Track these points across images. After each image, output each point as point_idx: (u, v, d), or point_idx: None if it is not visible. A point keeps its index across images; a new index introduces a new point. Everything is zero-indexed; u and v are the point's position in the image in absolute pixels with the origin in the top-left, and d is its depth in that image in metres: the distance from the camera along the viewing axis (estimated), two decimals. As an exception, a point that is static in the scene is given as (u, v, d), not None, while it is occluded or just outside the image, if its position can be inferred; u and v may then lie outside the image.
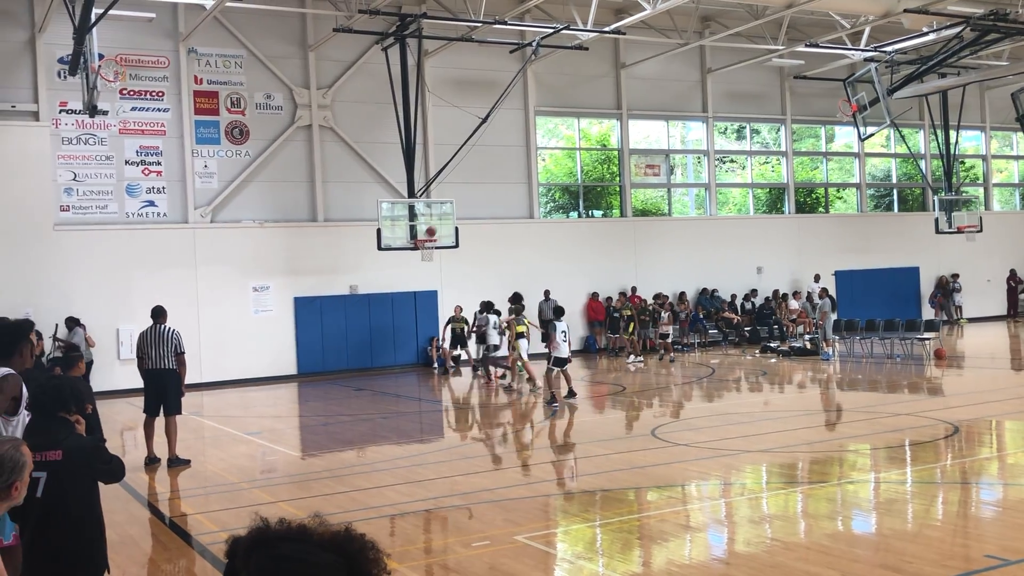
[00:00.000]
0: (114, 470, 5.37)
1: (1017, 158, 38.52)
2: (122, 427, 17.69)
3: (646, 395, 19.88)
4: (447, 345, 25.02)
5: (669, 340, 26.70)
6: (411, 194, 23.75)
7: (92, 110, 18.90)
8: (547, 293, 26.90)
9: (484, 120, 24.21)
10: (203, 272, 24.20)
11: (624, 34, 25.89)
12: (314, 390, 23.07)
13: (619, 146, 30.30)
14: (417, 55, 24.69)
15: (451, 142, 25.25)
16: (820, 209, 34.31)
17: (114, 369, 22.94)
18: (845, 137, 34.50)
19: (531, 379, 20.62)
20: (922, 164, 35.20)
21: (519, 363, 21.31)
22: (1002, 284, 35.96)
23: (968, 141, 36.63)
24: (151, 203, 24.15)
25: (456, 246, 23.59)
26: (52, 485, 4.98)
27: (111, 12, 18.26)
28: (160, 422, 13.47)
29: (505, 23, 23.87)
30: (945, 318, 33.44)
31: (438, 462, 13.42)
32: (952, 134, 32.61)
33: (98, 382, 22.16)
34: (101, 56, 19.16)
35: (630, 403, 18.70)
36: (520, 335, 21.14)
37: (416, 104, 24.19)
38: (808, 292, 30.45)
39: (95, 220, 23.46)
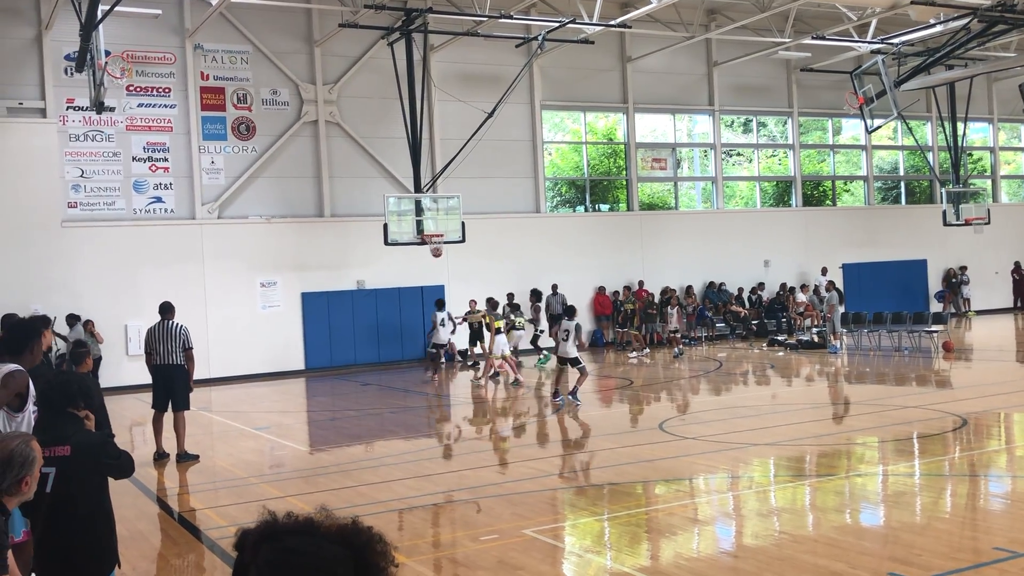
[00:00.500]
0: (123, 465, 5.38)
1: (1025, 150, 38.38)
2: (131, 422, 17.75)
3: (653, 389, 19.87)
4: (452, 338, 24.97)
5: (679, 335, 26.64)
6: (417, 189, 23.76)
7: (99, 107, 18.93)
8: (555, 287, 26.88)
9: (490, 115, 24.19)
10: (210, 268, 24.25)
11: (630, 28, 25.85)
12: (321, 385, 23.11)
13: (625, 140, 30.26)
14: (423, 50, 24.68)
15: (457, 137, 25.25)
16: (827, 202, 34.24)
17: (122, 365, 23.00)
18: (852, 130, 34.41)
19: (498, 374, 21.40)
20: (929, 156, 35.09)
21: (498, 359, 21.33)
22: (1008, 276, 35.83)
23: (976, 133, 36.49)
24: (158, 199, 24.20)
25: (463, 241, 23.60)
26: (61, 480, 5.00)
27: (117, 8, 18.29)
28: (169, 417, 13.51)
29: (511, 17, 23.85)
30: (953, 311, 33.37)
31: (446, 456, 13.45)
32: (959, 126, 32.47)
33: (106, 378, 22.22)
34: (108, 53, 19.16)
35: (637, 397, 18.70)
36: (498, 331, 21.42)
37: (422, 99, 24.18)
38: (815, 285, 30.41)
39: (103, 217, 23.52)
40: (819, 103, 33.10)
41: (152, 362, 13.64)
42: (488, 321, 21.69)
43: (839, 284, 29.25)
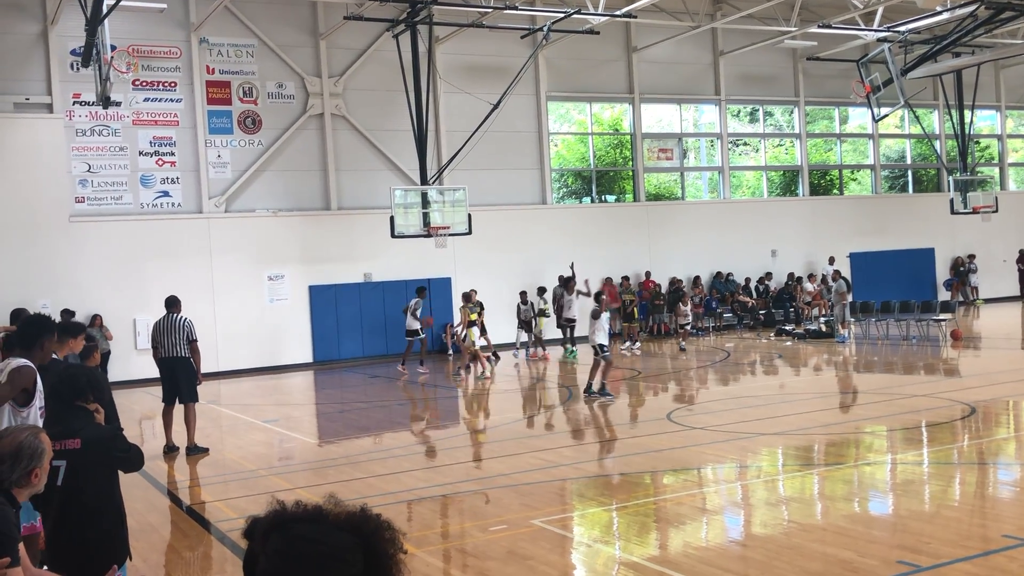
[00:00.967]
0: (132, 459, 5.40)
1: (1033, 137, 38.22)
2: (140, 416, 17.81)
3: (661, 379, 19.87)
4: (460, 331, 25.02)
5: (688, 327, 26.51)
6: (424, 181, 23.76)
7: (105, 101, 18.95)
8: (561, 278, 26.81)
9: (496, 106, 24.16)
10: (218, 262, 24.29)
11: (635, 17, 25.77)
12: (330, 378, 23.16)
13: (631, 130, 30.21)
14: (428, 42, 24.64)
15: (463, 128, 25.22)
16: (834, 191, 34.15)
17: (131, 359, 23.06)
18: (859, 118, 34.30)
19: (469, 367, 21.53)
20: (937, 144, 34.97)
21: (471, 350, 21.32)
22: (1014, 265, 35.71)
23: (983, 121, 36.35)
24: (165, 193, 24.24)
25: (469, 233, 23.60)
26: (71, 474, 5.02)
27: (123, 3, 18.32)
28: (180, 411, 13.56)
29: (516, 8, 23.79)
30: (961, 299, 33.29)
31: (454, 448, 13.47)
32: (967, 114, 32.36)
33: (115, 372, 22.31)
34: (113, 47, 19.20)
35: (645, 387, 18.70)
36: (472, 323, 21.42)
37: (427, 91, 24.16)
38: (823, 275, 30.36)
39: (110, 211, 23.57)
40: (826, 92, 33.00)
41: (158, 355, 13.76)
42: (466, 316, 21.59)
43: (846, 274, 29.19)
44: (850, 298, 25.55)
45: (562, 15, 24.17)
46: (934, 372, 19.17)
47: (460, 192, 23.75)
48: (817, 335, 25.59)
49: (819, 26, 27.46)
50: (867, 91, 29.28)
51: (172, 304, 13.86)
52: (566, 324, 23.70)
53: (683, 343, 24.99)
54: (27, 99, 22.85)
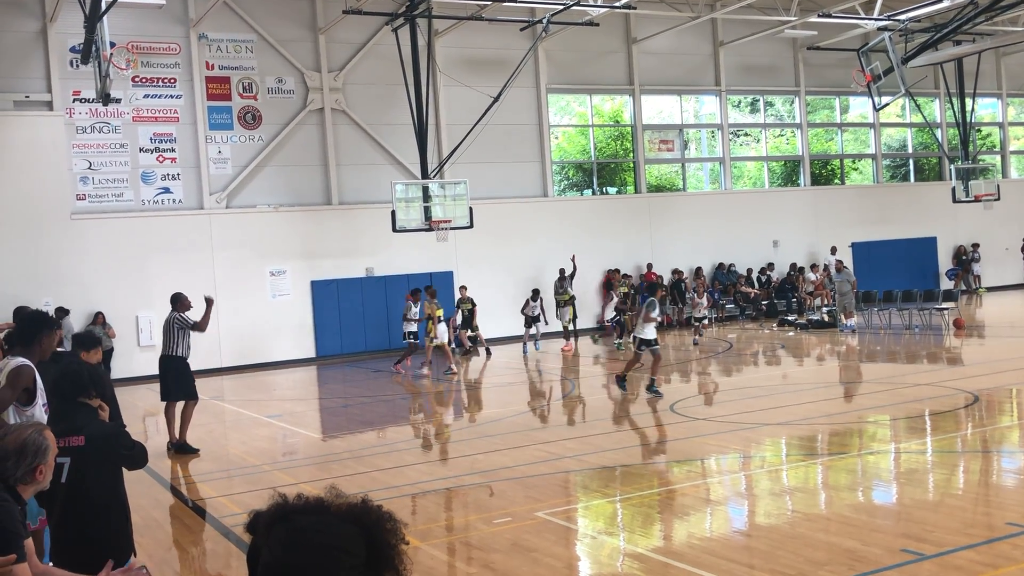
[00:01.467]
0: (136, 456, 5.41)
1: (1035, 125, 38.14)
2: (144, 413, 17.83)
3: (664, 370, 19.86)
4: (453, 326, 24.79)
5: (705, 321, 25.81)
6: (424, 175, 23.75)
7: (105, 98, 18.95)
8: (562, 271, 26.80)
9: (496, 99, 24.13)
10: (220, 257, 24.30)
11: (635, 8, 25.72)
12: (333, 372, 23.18)
13: (632, 122, 30.17)
14: (427, 35, 24.62)
15: (463, 122, 25.17)
16: (836, 181, 34.11)
17: (134, 356, 23.10)
18: (860, 107, 34.24)
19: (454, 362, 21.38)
20: (938, 133, 34.91)
21: (436, 346, 21.14)
22: (1018, 253, 35.66)
23: (984, 109, 36.26)
24: (166, 190, 24.25)
25: (471, 226, 23.59)
26: (76, 470, 5.03)
27: (121, 0, 18.28)
28: (180, 407, 13.57)
29: (515, 0, 23.76)
30: (964, 288, 33.27)
31: (458, 441, 13.48)
32: (968, 102, 32.29)
33: (118, 369, 22.36)
34: (112, 44, 19.20)
35: (647, 378, 18.65)
36: (439, 319, 21.22)
37: (427, 84, 24.14)
38: (825, 265, 30.35)
39: (111, 208, 23.58)
40: (826, 81, 32.94)
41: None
42: (431, 311, 21.48)
43: (848, 263, 29.12)
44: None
45: (561, 7, 24.12)
46: (937, 361, 19.16)
47: (461, 186, 23.73)
48: (820, 325, 25.58)
49: (819, 15, 27.41)
50: (868, 80, 29.23)
51: (171, 302, 13.85)
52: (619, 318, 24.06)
53: (697, 337, 24.05)
54: (27, 97, 22.85)
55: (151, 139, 24.07)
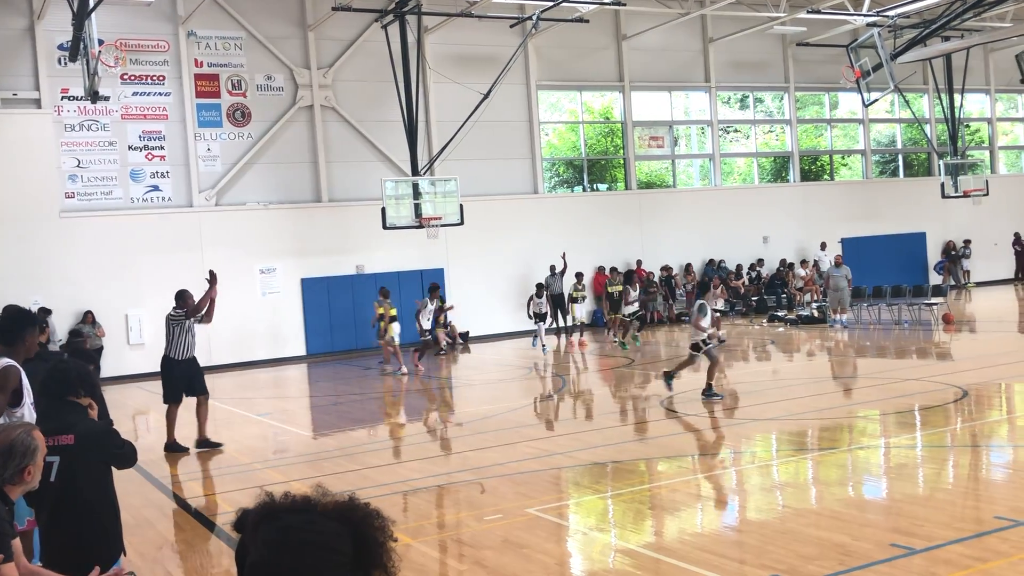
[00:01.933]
0: (126, 455, 5.39)
1: (1022, 120, 38.28)
2: (133, 412, 17.79)
3: (655, 367, 19.90)
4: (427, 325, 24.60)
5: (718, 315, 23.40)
6: (415, 172, 23.73)
7: (93, 96, 18.88)
8: (553, 268, 26.82)
9: (486, 96, 24.11)
10: (210, 255, 24.19)
11: (624, 5, 25.73)
12: (323, 370, 23.14)
13: (622, 118, 30.19)
14: (417, 32, 24.59)
15: (453, 119, 25.16)
16: (825, 177, 34.19)
17: (123, 354, 23.04)
18: (849, 104, 34.31)
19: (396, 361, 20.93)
20: (927, 129, 35.01)
21: (391, 347, 21.12)
22: (1008, 247, 35.84)
23: (973, 104, 36.38)
24: (155, 188, 24.18)
25: (461, 223, 23.58)
26: (65, 470, 5.01)
27: (109, -3, 18.21)
28: (186, 407, 13.40)
29: (504, -3, 23.74)
30: (953, 283, 33.39)
31: (449, 438, 13.47)
32: (956, 97, 32.41)
33: (108, 368, 22.31)
34: (101, 41, 19.11)
35: (639, 375, 18.72)
36: (393, 319, 21.11)
37: (417, 81, 24.11)
38: (815, 260, 30.44)
39: (100, 206, 23.50)
40: (815, 77, 33.00)
41: None
42: (383, 311, 21.44)
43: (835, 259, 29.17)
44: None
45: (551, 3, 24.11)
46: (926, 356, 19.23)
47: (451, 182, 23.72)
48: (809, 320, 25.64)
49: (808, 11, 27.44)
50: (857, 76, 29.28)
51: (174, 298, 13.51)
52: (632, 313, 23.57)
53: (722, 335, 21.42)
54: (14, 95, 22.76)
55: (140, 137, 24.00)
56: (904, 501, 8.47)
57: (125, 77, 23.68)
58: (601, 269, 28.61)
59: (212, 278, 13.26)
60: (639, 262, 28.92)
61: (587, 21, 26.41)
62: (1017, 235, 35.72)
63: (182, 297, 13.30)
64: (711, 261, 30.44)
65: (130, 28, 23.61)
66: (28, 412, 6.20)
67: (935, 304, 23.93)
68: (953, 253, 34.57)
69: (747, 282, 30.57)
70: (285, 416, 16.50)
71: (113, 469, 5.36)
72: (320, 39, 25.86)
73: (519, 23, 26.19)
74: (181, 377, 13.24)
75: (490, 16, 25.80)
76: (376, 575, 1.89)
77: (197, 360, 13.56)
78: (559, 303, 25.57)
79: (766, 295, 30.29)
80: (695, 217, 30.32)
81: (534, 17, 24.63)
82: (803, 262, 30.93)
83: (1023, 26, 29.50)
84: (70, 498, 5.04)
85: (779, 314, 27.45)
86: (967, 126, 35.64)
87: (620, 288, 26.53)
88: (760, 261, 31.06)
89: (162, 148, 24.23)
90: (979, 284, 34.49)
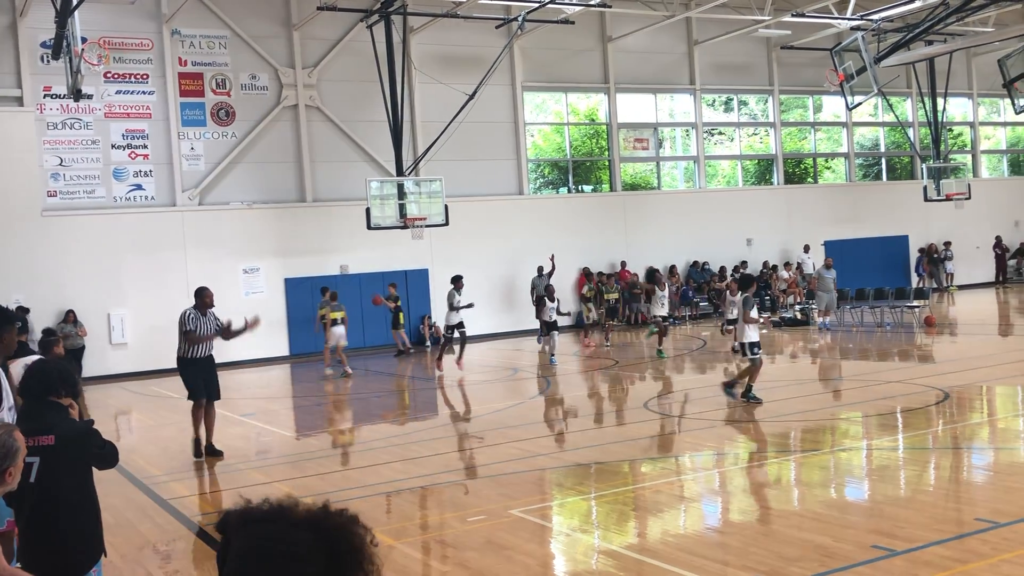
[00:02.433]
0: (108, 455, 5.35)
1: (1004, 124, 38.54)
2: (116, 412, 17.69)
3: (638, 368, 19.93)
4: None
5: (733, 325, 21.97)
6: (399, 172, 23.69)
7: (76, 94, 18.78)
8: (540, 269, 26.85)
9: (471, 96, 24.12)
10: (193, 255, 24.13)
11: (610, 7, 25.79)
12: (307, 371, 23.06)
13: (607, 120, 30.23)
14: (402, 32, 24.56)
15: (439, 119, 25.14)
16: (809, 179, 34.33)
17: (106, 354, 22.92)
18: (833, 107, 34.47)
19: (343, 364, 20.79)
20: (910, 132, 35.20)
21: (333, 349, 21.05)
22: (989, 251, 36.07)
23: (955, 108, 36.62)
24: (139, 187, 24.06)
25: (446, 224, 23.56)
26: (45, 470, 4.97)
27: (93, -6, 18.10)
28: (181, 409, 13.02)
29: (490, -2, 23.75)
30: (935, 286, 33.58)
31: (432, 439, 13.45)
32: (939, 101, 32.60)
33: (91, 367, 22.19)
34: (84, 39, 18.99)
35: (622, 376, 18.75)
36: (335, 322, 21.01)
37: (402, 82, 24.07)
38: (799, 262, 30.55)
39: (83, 205, 23.37)
40: (800, 81, 33.14)
41: None
42: (324, 312, 21.43)
43: (820, 261, 29.27)
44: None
45: (537, 4, 24.13)
46: (908, 358, 19.33)
47: (436, 183, 23.69)
48: (793, 323, 25.73)
49: (793, 15, 27.58)
50: (840, 79, 29.42)
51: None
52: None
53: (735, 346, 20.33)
54: (-3, 92, 22.60)
55: (123, 135, 23.88)
56: (885, 503, 8.51)
57: (108, 75, 23.57)
58: (586, 271, 28.64)
59: (254, 322, 12.46)
60: (623, 263, 28.97)
61: (572, 23, 26.45)
62: (998, 239, 35.97)
63: (200, 295, 12.64)
64: (695, 263, 30.52)
65: (114, 26, 23.50)
66: (6, 414, 6.14)
67: (917, 307, 24.06)
68: (935, 256, 34.76)
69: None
70: (268, 416, 16.45)
71: (94, 470, 5.32)
72: (305, 38, 25.79)
73: (504, 24, 26.20)
74: (197, 375, 12.61)
75: (475, 17, 25.80)
76: None
77: (213, 360, 12.88)
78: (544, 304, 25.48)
79: (716, 300, 30.34)
80: (679, 219, 30.39)
81: (519, 18, 24.64)
82: (787, 264, 31.04)
83: (1005, 31, 29.69)
84: (51, 499, 5.00)
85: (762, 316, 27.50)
86: (950, 130, 35.87)
87: (616, 295, 26.48)
88: (744, 263, 31.13)
89: (145, 147, 24.12)
90: (961, 287, 34.70)
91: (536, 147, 29.78)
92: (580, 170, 30.49)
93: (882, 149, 36.00)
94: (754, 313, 14.10)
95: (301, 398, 19.29)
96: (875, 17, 28.14)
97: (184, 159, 24.50)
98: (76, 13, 18.06)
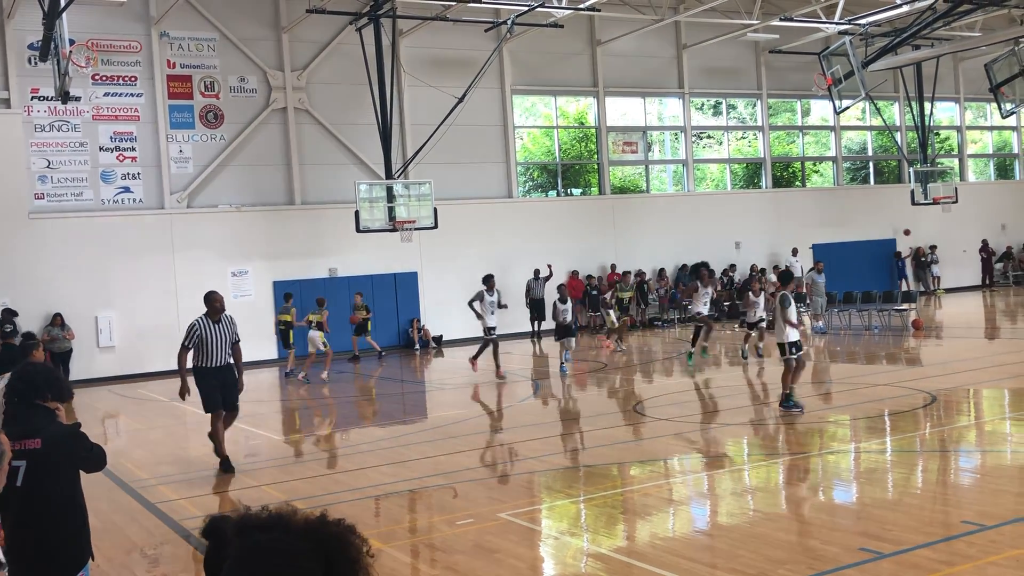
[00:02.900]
0: (95, 458, 5.33)
1: (991, 129, 38.74)
2: (103, 415, 17.61)
3: (627, 371, 19.95)
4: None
5: (763, 325, 19.97)
6: (389, 175, 23.68)
7: (64, 96, 18.68)
8: (536, 272, 26.82)
9: (461, 100, 24.12)
10: (181, 258, 24.06)
11: (599, 11, 25.81)
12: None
13: (596, 124, 30.27)
14: (392, 35, 24.55)
15: (428, 122, 25.14)
16: (797, 183, 34.44)
17: (93, 357, 22.83)
18: (821, 111, 34.59)
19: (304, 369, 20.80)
20: (897, 136, 35.36)
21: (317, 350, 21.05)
22: (976, 255, 36.23)
23: (943, 112, 36.80)
24: (127, 189, 23.98)
25: (435, 227, 23.55)
26: (32, 474, 4.94)
27: (80, -4, 18.04)
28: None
29: (479, 1, 23.74)
30: (922, 289, 33.71)
31: (421, 442, 13.44)
32: (927, 106, 32.76)
33: (78, 370, 22.08)
34: (72, 41, 18.91)
35: (611, 380, 18.76)
36: (311, 325, 21.01)
37: (392, 84, 24.07)
38: (787, 266, 30.61)
39: (71, 207, 23.28)
40: (788, 85, 33.24)
41: None
42: (289, 318, 21.44)
43: (808, 264, 29.37)
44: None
45: (526, 8, 24.14)
46: (896, 361, 19.39)
47: (426, 186, 23.69)
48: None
49: (781, 19, 27.66)
50: (828, 83, 29.50)
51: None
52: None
53: (761, 346, 20.02)
54: (-16, 94, 22.51)
55: (111, 138, 23.80)
56: (873, 505, 8.54)
57: (96, 78, 23.49)
58: (574, 274, 28.67)
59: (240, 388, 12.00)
60: (613, 266, 29.01)
61: (562, 26, 26.48)
62: (985, 242, 36.14)
63: (208, 301, 12.16)
64: (684, 266, 30.57)
65: (102, 28, 23.42)
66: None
67: (905, 310, 24.15)
68: (923, 260, 34.89)
69: (720, 287, 30.69)
70: (256, 419, 16.39)
71: (82, 473, 5.30)
72: (294, 41, 25.76)
73: (494, 27, 26.21)
74: (214, 385, 12.05)
75: (465, 20, 25.80)
76: None
77: (233, 369, 12.29)
78: (539, 308, 25.67)
79: (738, 300, 30.40)
80: (668, 222, 30.45)
81: (509, 22, 24.65)
82: (775, 267, 31.10)
83: (992, 36, 29.85)
84: (37, 503, 4.98)
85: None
86: (937, 134, 36.04)
87: (631, 293, 26.50)
88: (732, 267, 31.22)
89: (133, 149, 24.04)
90: (948, 291, 34.85)
91: (525, 150, 29.80)
92: (569, 173, 30.52)
93: (870, 153, 36.14)
94: (792, 313, 13.02)
95: (289, 401, 19.24)
96: (863, 21, 28.25)
97: (172, 162, 24.43)
98: (64, 15, 17.97)
